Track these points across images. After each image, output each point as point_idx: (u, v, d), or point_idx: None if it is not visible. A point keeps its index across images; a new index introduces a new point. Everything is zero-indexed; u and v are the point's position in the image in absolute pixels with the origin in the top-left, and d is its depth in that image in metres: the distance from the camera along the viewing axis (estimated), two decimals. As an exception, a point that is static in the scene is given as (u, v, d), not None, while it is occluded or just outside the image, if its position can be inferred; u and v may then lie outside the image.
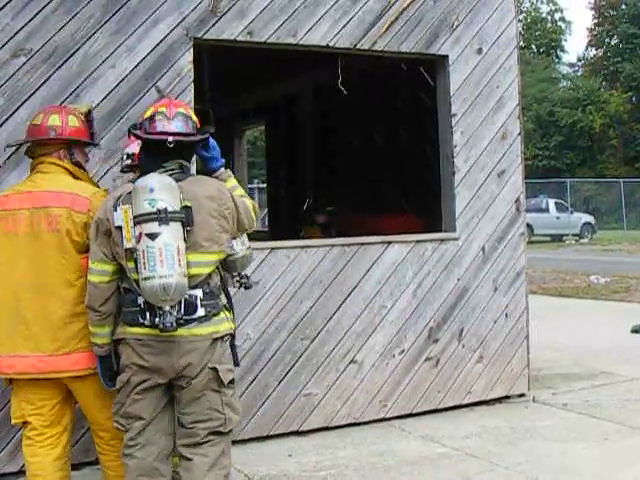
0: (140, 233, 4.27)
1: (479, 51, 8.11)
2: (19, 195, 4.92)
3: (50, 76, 6.29)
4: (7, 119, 6.18)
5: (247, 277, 5.14)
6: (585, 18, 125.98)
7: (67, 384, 4.90)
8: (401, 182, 11.19)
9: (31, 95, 6.23)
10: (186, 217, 4.34)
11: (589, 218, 40.86)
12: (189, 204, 4.38)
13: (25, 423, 4.93)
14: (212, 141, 4.93)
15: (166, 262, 4.20)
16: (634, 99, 56.06)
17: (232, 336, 4.67)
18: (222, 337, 4.52)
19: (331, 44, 7.35)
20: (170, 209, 4.27)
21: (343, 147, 12.31)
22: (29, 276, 4.79)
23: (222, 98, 12.94)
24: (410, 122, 10.77)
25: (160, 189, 4.31)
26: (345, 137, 12.20)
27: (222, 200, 4.56)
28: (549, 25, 70.65)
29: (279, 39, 7.13)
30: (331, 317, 7.31)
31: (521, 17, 59.48)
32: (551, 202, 39.95)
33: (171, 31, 6.67)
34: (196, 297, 4.39)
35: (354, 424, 7.43)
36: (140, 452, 4.56)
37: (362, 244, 7.50)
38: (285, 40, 7.16)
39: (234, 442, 6.85)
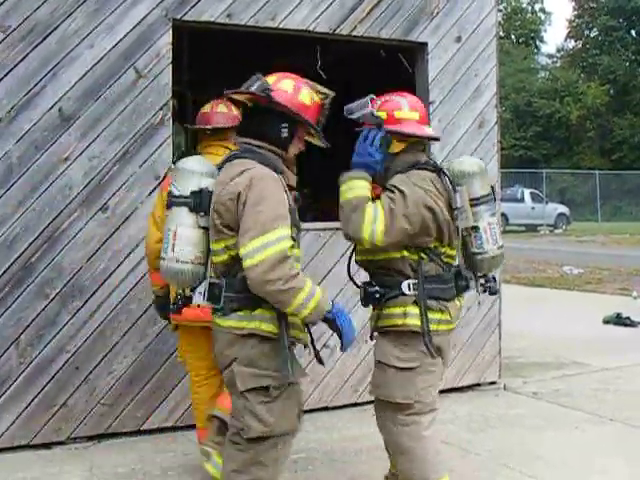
0: None
1: (458, 39, 8.12)
2: None
3: (28, 54, 6.27)
4: (-17, 96, 6.16)
5: (494, 280, 4.96)
6: (565, 9, 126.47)
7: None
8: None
9: (8, 72, 6.22)
10: (193, 202, 4.17)
11: (564, 209, 41.02)
12: (210, 189, 4.16)
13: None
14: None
15: (163, 245, 4.23)
16: (611, 91, 56.22)
17: (275, 339, 4.11)
18: (248, 335, 4.10)
19: (311, 28, 7.35)
20: (175, 193, 4.22)
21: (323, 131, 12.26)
22: None
23: (201, 80, 12.90)
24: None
25: (176, 173, 4.32)
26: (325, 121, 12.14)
27: (229, 187, 4.06)
28: (529, 15, 70.65)
29: (258, 22, 7.12)
30: (305, 301, 7.30)
31: (501, 7, 59.48)
32: (526, 192, 40.05)
33: (150, 11, 6.65)
34: (219, 286, 4.14)
35: (325, 408, 7.46)
36: None
37: (337, 229, 7.44)
38: (264, 23, 7.15)
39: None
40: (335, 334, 4.22)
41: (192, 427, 6.84)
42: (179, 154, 9.94)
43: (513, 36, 68.49)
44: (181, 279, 4.23)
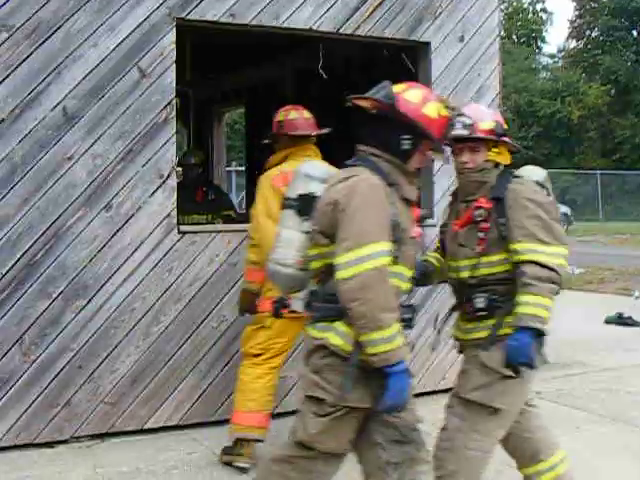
0: None
1: (461, 39, 8.13)
2: None
3: (32, 53, 6.28)
4: (-13, 95, 6.17)
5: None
6: (566, 9, 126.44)
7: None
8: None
9: (12, 72, 6.23)
10: (300, 206, 4.12)
11: (565, 209, 40.89)
12: (317, 194, 4.06)
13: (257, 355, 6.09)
14: None
15: (273, 246, 4.24)
16: (613, 92, 56.21)
17: (344, 356, 3.90)
18: (321, 346, 3.94)
19: (314, 27, 7.35)
20: (286, 195, 4.21)
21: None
22: None
23: (202, 79, 12.92)
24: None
25: (293, 176, 4.33)
26: (324, 121, 12.15)
27: (329, 193, 3.94)
28: (530, 15, 70.64)
29: (262, 21, 7.12)
30: (308, 300, 7.31)
31: (502, 7, 59.41)
32: (528, 192, 39.97)
33: (154, 11, 6.66)
34: (313, 293, 4.05)
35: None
36: None
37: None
38: (268, 23, 7.16)
39: (209, 423, 6.94)
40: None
41: (196, 425, 6.89)
42: (182, 154, 9.93)
43: (514, 36, 68.50)
44: (279, 281, 4.22)
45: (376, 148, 4.02)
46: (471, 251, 4.55)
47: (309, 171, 4.20)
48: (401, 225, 3.90)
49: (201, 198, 9.52)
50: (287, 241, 4.14)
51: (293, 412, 7.23)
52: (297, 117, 6.31)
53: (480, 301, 4.58)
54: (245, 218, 12.00)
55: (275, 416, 7.16)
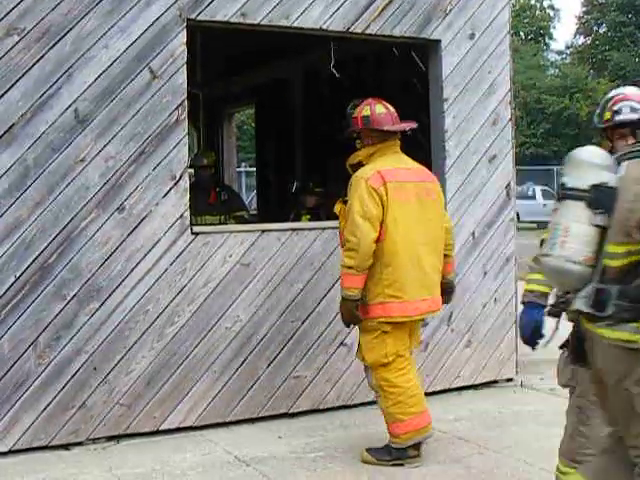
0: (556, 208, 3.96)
1: (471, 36, 8.11)
2: (400, 170, 6.08)
3: (43, 55, 6.28)
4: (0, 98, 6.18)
5: None
6: (574, 6, 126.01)
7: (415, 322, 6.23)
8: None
9: (23, 74, 6.23)
10: (593, 198, 3.73)
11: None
12: (614, 185, 3.73)
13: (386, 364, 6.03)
14: None
15: (549, 241, 3.84)
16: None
17: None
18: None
19: (324, 27, 7.34)
20: (568, 185, 3.84)
21: (333, 131, 12.26)
22: (422, 237, 6.03)
23: (212, 80, 12.93)
24: (400, 106, 10.74)
25: (568, 163, 3.98)
26: (335, 121, 12.15)
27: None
28: (538, 12, 70.52)
29: (272, 21, 7.12)
30: (321, 300, 7.33)
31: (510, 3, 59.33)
32: (538, 189, 39.94)
33: (165, 12, 6.66)
34: (608, 293, 3.65)
35: (343, 407, 7.46)
36: None
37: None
38: (278, 22, 7.15)
39: (223, 424, 6.94)
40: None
41: (211, 426, 6.89)
42: (193, 155, 9.93)
43: (522, 33, 68.31)
44: (567, 280, 3.86)
45: None
46: None
47: (594, 159, 3.84)
48: None
49: (214, 199, 9.55)
50: (578, 236, 3.76)
51: (307, 412, 7.28)
52: (384, 112, 6.18)
53: None
54: (258, 218, 12.09)
55: (289, 416, 7.19)
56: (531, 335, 4.65)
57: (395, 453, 6.06)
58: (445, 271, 6.34)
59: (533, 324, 4.66)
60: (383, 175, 5.93)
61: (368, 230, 5.78)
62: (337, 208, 6.36)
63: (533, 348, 4.74)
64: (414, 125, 6.29)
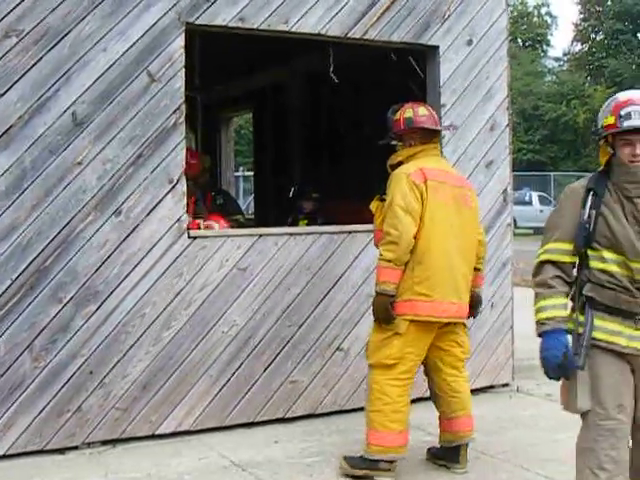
0: None
1: (469, 42, 8.12)
2: (441, 172, 6.04)
3: (41, 58, 6.28)
4: (-3, 100, 6.18)
5: None
6: (571, 13, 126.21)
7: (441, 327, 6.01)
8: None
9: (21, 76, 6.23)
10: None
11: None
12: None
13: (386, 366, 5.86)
14: None
15: None
16: (618, 94, 56.16)
17: None
18: None
19: (323, 32, 7.35)
20: None
21: (331, 136, 12.28)
22: (456, 243, 5.93)
23: (210, 84, 12.91)
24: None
25: None
26: (332, 126, 12.17)
27: None
28: (535, 19, 70.62)
29: (270, 26, 7.12)
30: (318, 304, 7.32)
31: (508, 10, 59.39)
32: (534, 195, 40.03)
33: (163, 15, 6.66)
34: None
35: (340, 412, 7.45)
36: None
37: (350, 232, 7.50)
38: (277, 27, 7.15)
39: (219, 428, 6.93)
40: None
41: (207, 431, 6.88)
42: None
43: (520, 40, 68.39)
44: None
45: None
46: None
47: None
48: None
49: (210, 203, 9.52)
50: None
51: (303, 417, 7.27)
52: (427, 114, 6.18)
53: None
54: (255, 223, 12.08)
55: (286, 420, 7.18)
56: (562, 362, 4.41)
57: (367, 463, 5.88)
58: (474, 283, 6.21)
59: (564, 349, 4.39)
60: (425, 172, 5.88)
61: (409, 223, 5.72)
62: (373, 205, 6.25)
63: (567, 378, 4.54)
64: (456, 127, 6.32)
